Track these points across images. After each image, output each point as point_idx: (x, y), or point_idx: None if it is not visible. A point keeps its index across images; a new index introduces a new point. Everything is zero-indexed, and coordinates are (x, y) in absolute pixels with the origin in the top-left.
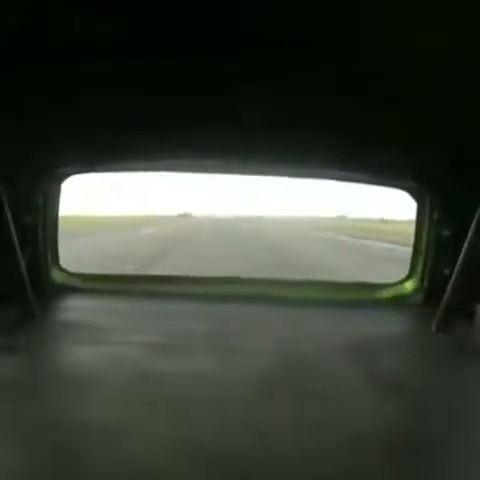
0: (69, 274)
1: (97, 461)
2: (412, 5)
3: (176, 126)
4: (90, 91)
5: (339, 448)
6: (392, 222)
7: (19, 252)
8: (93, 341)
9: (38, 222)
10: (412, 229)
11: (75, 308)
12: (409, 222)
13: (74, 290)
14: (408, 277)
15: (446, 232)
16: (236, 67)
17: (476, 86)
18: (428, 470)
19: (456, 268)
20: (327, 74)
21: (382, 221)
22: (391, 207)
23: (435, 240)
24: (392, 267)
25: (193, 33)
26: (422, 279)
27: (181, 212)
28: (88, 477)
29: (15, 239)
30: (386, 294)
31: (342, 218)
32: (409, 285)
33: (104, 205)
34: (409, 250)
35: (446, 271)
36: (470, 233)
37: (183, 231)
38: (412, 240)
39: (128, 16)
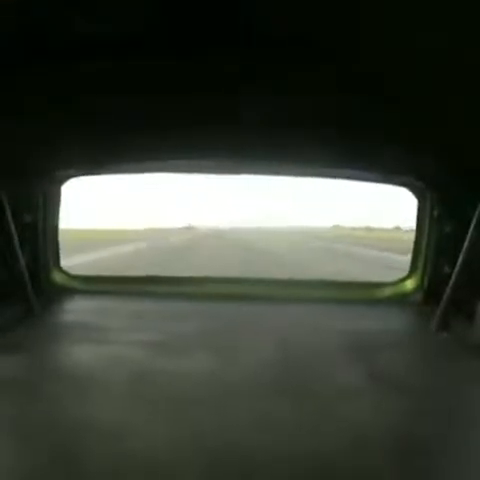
0: (69, 276)
1: (97, 460)
2: (412, 5)
3: (176, 126)
4: (90, 91)
5: (339, 447)
6: (377, 230)
7: (19, 252)
8: (93, 341)
9: (38, 223)
10: (398, 236)
11: (75, 309)
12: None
13: (74, 291)
14: (408, 275)
15: (447, 230)
16: (236, 67)
17: (476, 86)
18: (429, 469)
19: (456, 266)
20: (327, 74)
21: (368, 229)
22: (377, 215)
23: (436, 238)
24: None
25: (193, 33)
26: (422, 277)
27: (186, 225)
28: (89, 475)
29: (15, 239)
30: (387, 293)
31: (337, 227)
32: (409, 283)
33: (112, 219)
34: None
35: (446, 269)
36: (470, 231)
37: (195, 239)
38: (399, 246)
39: (128, 16)
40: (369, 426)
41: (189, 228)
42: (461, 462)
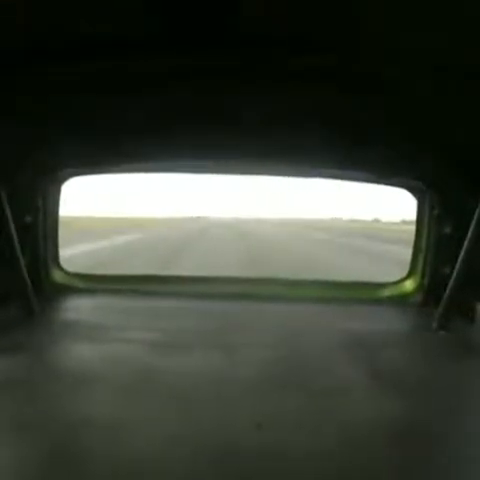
0: (69, 274)
1: (98, 458)
2: (412, 5)
3: (176, 126)
4: (90, 91)
5: (340, 443)
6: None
7: (19, 252)
8: (93, 339)
9: (38, 222)
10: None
11: (75, 307)
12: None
13: (74, 290)
14: (408, 276)
15: (446, 230)
16: (236, 67)
17: (475, 86)
18: (429, 466)
19: (457, 266)
20: (327, 74)
21: (352, 220)
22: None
23: (435, 238)
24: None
25: (193, 33)
26: (422, 278)
27: (197, 215)
28: (89, 473)
29: (15, 239)
30: (387, 293)
31: (336, 220)
32: (409, 284)
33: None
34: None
35: (446, 269)
36: (470, 231)
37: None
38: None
39: (128, 17)
40: (370, 423)
41: (199, 218)
42: (460, 457)
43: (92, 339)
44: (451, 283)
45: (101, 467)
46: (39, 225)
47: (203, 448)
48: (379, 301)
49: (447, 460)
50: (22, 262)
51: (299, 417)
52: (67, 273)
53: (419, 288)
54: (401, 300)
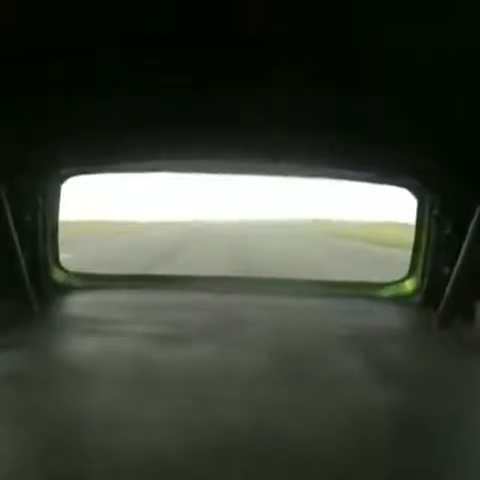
0: (69, 274)
1: (100, 449)
2: (412, 5)
3: (176, 126)
4: (90, 91)
5: (339, 434)
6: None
7: (19, 251)
8: (93, 333)
9: (38, 222)
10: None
11: (75, 305)
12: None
13: (74, 289)
14: (408, 276)
15: (446, 230)
16: (236, 67)
17: (476, 86)
18: (426, 454)
19: (456, 266)
20: (327, 74)
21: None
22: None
23: (435, 238)
24: None
25: (193, 33)
26: (422, 278)
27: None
28: (91, 464)
29: (15, 238)
30: (387, 292)
31: (316, 221)
32: (409, 284)
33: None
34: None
35: (446, 270)
36: (470, 231)
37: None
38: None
39: (127, 17)
40: (369, 412)
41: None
42: (458, 443)
43: (92, 333)
44: (451, 283)
45: (101, 461)
46: (39, 224)
47: (205, 442)
48: (379, 300)
49: (447, 450)
50: (22, 261)
51: (301, 409)
52: (67, 272)
53: (419, 288)
54: (401, 300)
